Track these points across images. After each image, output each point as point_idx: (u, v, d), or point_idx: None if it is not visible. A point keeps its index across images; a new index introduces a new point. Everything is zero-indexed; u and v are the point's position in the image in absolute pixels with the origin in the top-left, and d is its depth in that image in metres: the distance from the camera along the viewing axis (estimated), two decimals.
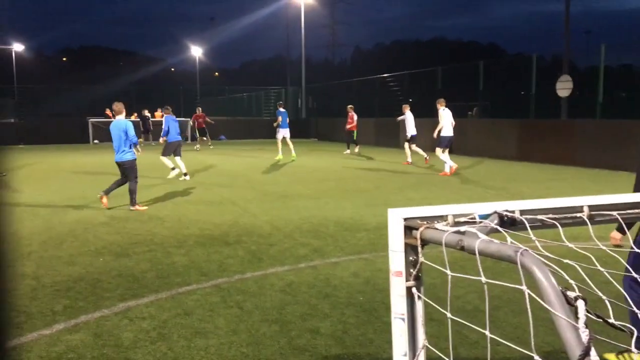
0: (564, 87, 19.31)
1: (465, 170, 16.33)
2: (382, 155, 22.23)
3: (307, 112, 38.50)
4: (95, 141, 29.76)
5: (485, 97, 24.39)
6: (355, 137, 23.21)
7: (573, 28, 23.63)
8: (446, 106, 16.18)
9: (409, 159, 18.34)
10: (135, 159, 9.97)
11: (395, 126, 26.31)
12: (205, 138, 26.48)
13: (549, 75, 20.88)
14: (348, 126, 23.12)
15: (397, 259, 1.65)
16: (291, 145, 19.42)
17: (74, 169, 16.92)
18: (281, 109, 19.62)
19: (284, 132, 19.31)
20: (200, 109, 27.49)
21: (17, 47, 58.75)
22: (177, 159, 14.35)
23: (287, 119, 19.60)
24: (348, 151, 22.96)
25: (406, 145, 18.47)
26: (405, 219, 1.67)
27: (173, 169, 14.56)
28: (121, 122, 9.87)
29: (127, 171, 9.86)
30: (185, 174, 14.25)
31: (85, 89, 44.61)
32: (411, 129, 18.27)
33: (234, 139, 33.85)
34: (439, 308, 1.69)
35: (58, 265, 6.33)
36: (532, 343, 1.30)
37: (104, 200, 9.90)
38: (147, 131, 29.45)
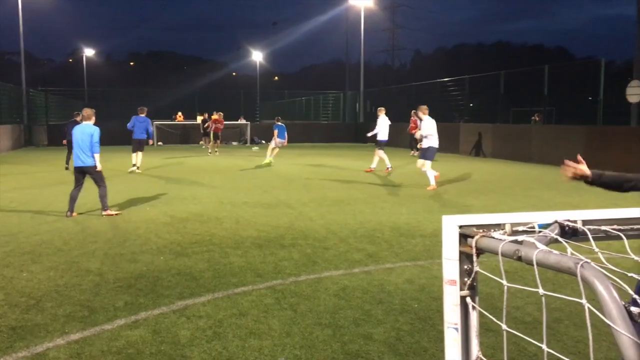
0: (634, 93, 18.49)
1: (528, 178, 15.86)
2: (442, 160, 21.90)
3: (365, 116, 38.40)
4: (159, 143, 30.72)
5: (550, 103, 23.63)
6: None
7: None
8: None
9: (388, 165, 16.93)
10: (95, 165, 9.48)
11: (456, 132, 25.91)
12: (213, 142, 25.50)
13: (618, 81, 20.03)
14: (412, 130, 22.95)
15: (451, 267, 1.62)
16: (273, 152, 19.92)
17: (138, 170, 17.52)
18: (278, 123, 20.07)
19: (278, 143, 19.78)
20: (221, 114, 27.13)
21: (88, 51, 61.36)
22: (139, 154, 16.88)
23: (285, 132, 20.05)
24: (413, 152, 22.97)
25: (378, 151, 17.26)
26: (461, 227, 1.63)
27: (134, 165, 16.79)
28: (89, 126, 9.44)
29: (94, 176, 9.48)
30: (134, 166, 16.78)
31: (151, 93, 46.15)
32: (382, 134, 17.13)
33: (291, 142, 34.09)
34: (494, 319, 1.64)
35: (121, 263, 6.56)
36: (591, 359, 1.24)
37: (110, 212, 9.58)
38: (207, 134, 30.06)
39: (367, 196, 11.97)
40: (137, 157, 16.89)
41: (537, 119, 24.45)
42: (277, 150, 20.13)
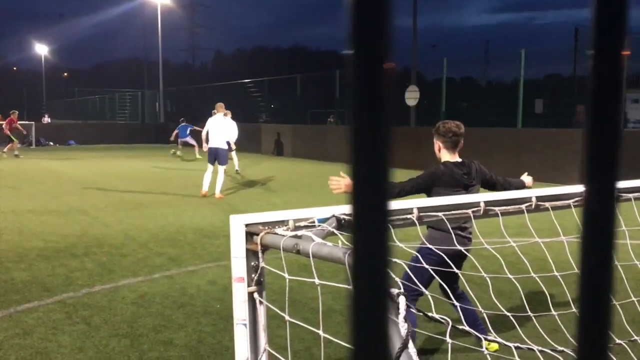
0: (411, 97, 20.66)
1: (325, 175, 16.80)
2: (243, 160, 22.18)
3: (166, 116, 37.34)
4: None
5: (344, 105, 25.34)
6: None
7: (421, 42, 25.40)
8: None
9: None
10: None
11: (257, 132, 26.45)
12: (12, 144, 23.66)
13: (399, 86, 22.22)
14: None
15: (238, 265, 1.66)
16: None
17: None
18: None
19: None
20: (17, 112, 24.68)
21: None
22: None
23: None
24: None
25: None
26: (247, 225, 1.68)
27: None
28: None
29: None
30: None
31: None
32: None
33: (85, 144, 31.83)
34: (279, 312, 1.72)
35: None
36: None
37: None
38: None
39: (170, 198, 11.65)
40: None
41: (333, 120, 26.07)
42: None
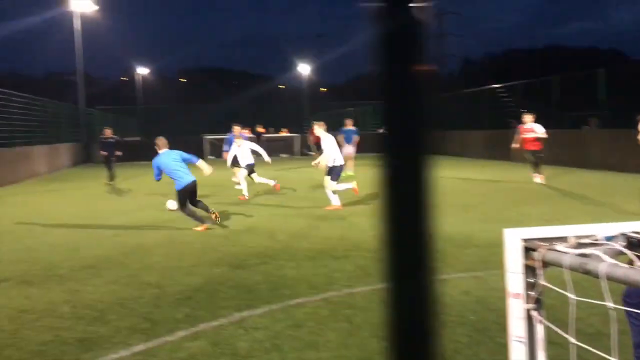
0: None
1: (584, 185, 15.39)
2: (493, 168, 21.53)
3: None
4: (211, 157, 31.38)
5: (606, 107, 22.88)
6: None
7: None
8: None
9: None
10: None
11: (507, 138, 25.37)
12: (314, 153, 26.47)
13: None
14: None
15: (515, 281, 1.62)
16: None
17: None
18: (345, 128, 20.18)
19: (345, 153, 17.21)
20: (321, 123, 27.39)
21: (142, 70, 63.31)
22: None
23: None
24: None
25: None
26: (524, 240, 1.63)
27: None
28: (173, 152, 9.78)
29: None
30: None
31: (202, 108, 47.31)
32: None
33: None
34: (559, 332, 1.63)
35: (179, 276, 6.74)
36: None
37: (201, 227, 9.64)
38: None
39: None
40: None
41: (590, 125, 23.64)
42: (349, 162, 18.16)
